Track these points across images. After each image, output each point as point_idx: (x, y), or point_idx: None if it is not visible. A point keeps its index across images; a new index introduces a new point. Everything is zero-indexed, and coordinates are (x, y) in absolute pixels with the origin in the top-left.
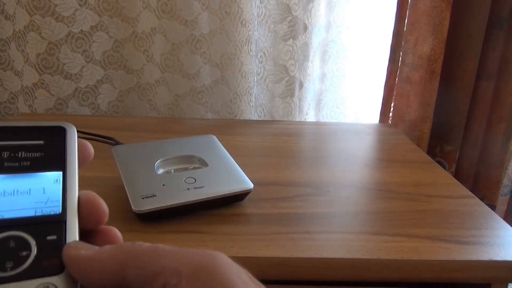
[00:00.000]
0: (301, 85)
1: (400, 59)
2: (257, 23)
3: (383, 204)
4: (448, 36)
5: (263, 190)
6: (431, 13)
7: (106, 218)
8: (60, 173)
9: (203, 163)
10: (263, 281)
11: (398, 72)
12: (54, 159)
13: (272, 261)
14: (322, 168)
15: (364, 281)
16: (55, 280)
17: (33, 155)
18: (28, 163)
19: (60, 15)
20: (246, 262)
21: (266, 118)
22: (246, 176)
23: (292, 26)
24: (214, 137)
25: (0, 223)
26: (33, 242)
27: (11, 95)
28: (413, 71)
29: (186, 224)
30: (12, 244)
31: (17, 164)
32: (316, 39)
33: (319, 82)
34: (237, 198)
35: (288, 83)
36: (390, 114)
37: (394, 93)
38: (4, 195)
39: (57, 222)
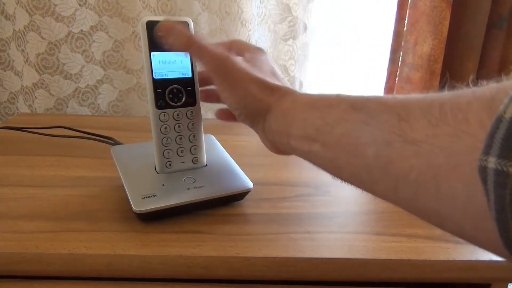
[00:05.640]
0: (301, 85)
1: (400, 59)
2: (257, 23)
3: (383, 204)
4: (448, 36)
5: (263, 190)
6: (431, 13)
7: None
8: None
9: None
10: (263, 281)
11: (398, 72)
12: None
13: (272, 261)
14: None
15: (364, 281)
16: (192, 108)
17: None
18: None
19: (60, 15)
20: (246, 262)
21: None
22: (246, 176)
23: (292, 26)
24: (213, 137)
25: (167, 80)
26: (183, 90)
27: (11, 95)
28: (413, 71)
29: (186, 224)
30: (175, 90)
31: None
32: (316, 39)
33: (319, 82)
34: (237, 197)
35: (288, 83)
36: None
37: (394, 93)
38: (164, 63)
39: (190, 80)
